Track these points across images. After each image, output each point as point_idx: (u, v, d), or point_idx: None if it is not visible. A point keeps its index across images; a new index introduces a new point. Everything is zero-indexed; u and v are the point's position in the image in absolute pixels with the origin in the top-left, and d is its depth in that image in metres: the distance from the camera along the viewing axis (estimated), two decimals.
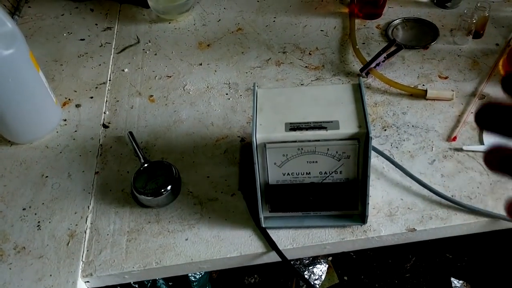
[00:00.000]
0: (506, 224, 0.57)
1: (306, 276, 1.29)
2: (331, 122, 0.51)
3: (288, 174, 0.53)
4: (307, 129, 0.51)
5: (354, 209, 0.55)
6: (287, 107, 0.54)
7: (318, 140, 0.50)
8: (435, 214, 0.57)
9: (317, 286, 1.29)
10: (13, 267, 0.56)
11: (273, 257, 0.56)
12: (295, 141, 0.50)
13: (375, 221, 0.57)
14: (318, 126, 0.51)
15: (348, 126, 0.51)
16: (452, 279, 1.28)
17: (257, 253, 0.56)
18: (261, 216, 0.55)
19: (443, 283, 1.28)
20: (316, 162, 0.52)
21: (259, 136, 0.51)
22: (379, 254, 1.36)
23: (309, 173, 0.53)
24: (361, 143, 0.50)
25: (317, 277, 1.30)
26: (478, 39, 0.79)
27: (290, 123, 0.51)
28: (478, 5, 0.77)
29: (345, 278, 1.33)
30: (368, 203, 0.54)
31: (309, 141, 0.50)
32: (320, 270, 1.31)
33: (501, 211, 0.56)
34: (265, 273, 1.34)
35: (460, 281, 1.27)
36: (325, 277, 1.31)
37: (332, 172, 0.52)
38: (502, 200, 0.58)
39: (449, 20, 0.84)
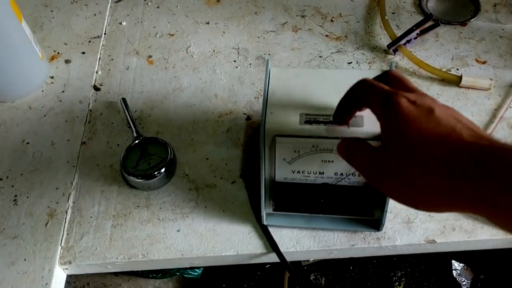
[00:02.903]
0: None
1: None
2: (355, 117, 0.43)
3: (298, 172, 0.46)
4: (325, 123, 0.43)
5: (370, 216, 0.48)
6: (304, 92, 0.46)
7: (337, 138, 0.43)
8: (458, 225, 0.51)
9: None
10: None
11: (273, 258, 0.50)
12: (310, 137, 0.43)
13: (391, 227, 0.50)
14: None
15: (374, 124, 0.43)
16: (453, 261, 1.24)
17: (256, 253, 0.50)
18: (264, 213, 0.49)
19: (444, 265, 1.25)
20: (332, 161, 0.44)
21: (269, 127, 0.43)
22: None
23: (323, 173, 0.46)
24: None
25: None
26: None
27: (306, 114, 0.44)
28: None
29: None
30: (387, 211, 0.47)
31: (327, 137, 0.43)
32: None
33: None
34: None
35: (461, 264, 1.24)
36: None
37: (349, 174, 0.45)
38: None
39: None
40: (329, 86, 0.46)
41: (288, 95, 0.46)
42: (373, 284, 1.23)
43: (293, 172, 0.46)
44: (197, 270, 1.17)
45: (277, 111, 0.44)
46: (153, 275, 1.19)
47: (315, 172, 0.46)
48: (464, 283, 1.20)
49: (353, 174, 0.45)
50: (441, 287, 1.22)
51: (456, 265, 1.23)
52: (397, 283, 1.22)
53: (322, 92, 0.46)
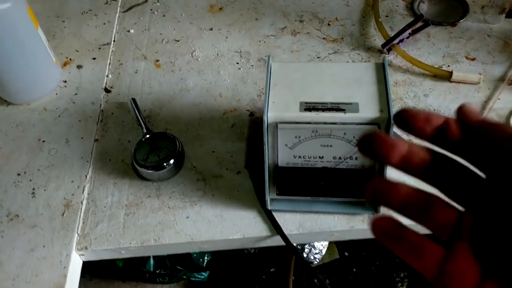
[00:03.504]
0: None
1: (306, 249, 1.27)
2: (350, 104, 0.47)
3: (300, 157, 0.49)
4: (323, 110, 0.47)
5: None
6: (303, 84, 0.50)
7: (335, 123, 0.46)
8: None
9: (317, 261, 1.28)
10: (5, 235, 0.54)
11: (277, 241, 0.53)
12: (309, 123, 0.47)
13: (388, 210, 0.53)
14: (336, 107, 0.47)
15: (369, 110, 0.47)
16: None
17: (261, 236, 0.53)
18: (268, 198, 0.52)
19: None
20: (331, 146, 0.48)
21: (271, 115, 0.47)
22: None
23: (322, 157, 0.49)
24: (381, 129, 0.46)
25: (317, 251, 1.28)
26: None
27: (306, 103, 0.47)
28: None
29: (346, 254, 1.32)
30: None
31: (325, 123, 0.46)
32: (321, 244, 1.29)
33: None
34: None
35: None
36: (325, 252, 1.30)
37: (347, 158, 0.49)
38: None
39: None
40: (326, 78, 0.50)
41: (288, 87, 0.49)
42: (376, 286, 1.25)
43: (295, 157, 0.49)
44: (204, 274, 1.19)
45: (278, 101, 0.48)
46: (160, 279, 1.21)
47: (315, 157, 0.49)
48: None
49: (351, 158, 0.49)
50: None
51: None
52: (400, 284, 1.24)
53: (319, 83, 0.50)
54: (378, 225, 0.26)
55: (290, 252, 0.53)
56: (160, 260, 1.18)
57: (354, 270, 1.28)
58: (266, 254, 1.31)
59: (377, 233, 0.26)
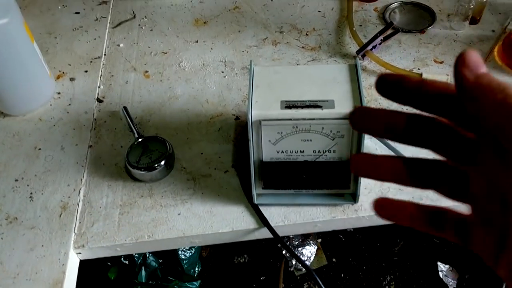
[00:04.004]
0: None
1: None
2: (327, 101, 0.51)
3: (282, 151, 0.53)
4: (302, 107, 0.51)
5: (346, 188, 0.56)
6: (283, 85, 0.54)
7: (313, 119, 0.50)
8: (425, 195, 0.58)
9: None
10: (4, 237, 0.56)
11: (264, 234, 0.57)
12: (290, 119, 0.51)
13: (366, 200, 0.58)
14: (314, 104, 0.51)
15: (344, 106, 0.51)
16: (439, 263, 1.30)
17: (249, 229, 0.56)
18: (254, 192, 0.56)
19: (430, 267, 1.30)
20: (310, 140, 0.52)
21: (255, 113, 0.51)
22: (367, 237, 1.38)
23: (303, 151, 0.53)
24: None
25: (306, 258, 1.31)
26: (475, 25, 0.80)
27: (286, 101, 0.52)
28: None
29: (334, 260, 1.35)
30: (360, 183, 0.54)
31: (304, 119, 0.51)
32: (309, 251, 1.33)
33: None
34: (254, 253, 1.35)
35: (446, 266, 1.29)
36: (314, 258, 1.33)
37: (325, 151, 0.53)
38: None
39: (447, 5, 0.84)
40: (304, 79, 0.54)
41: (269, 87, 0.54)
42: None
43: (278, 152, 0.53)
44: (195, 283, 1.21)
45: (261, 101, 0.52)
46: None
47: (296, 151, 0.53)
48: (450, 283, 1.26)
49: (329, 151, 0.53)
50: None
51: (442, 266, 1.29)
52: (387, 287, 1.27)
53: (298, 83, 0.54)
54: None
55: (277, 242, 0.56)
56: (152, 271, 1.20)
57: (342, 275, 1.31)
58: (256, 263, 1.34)
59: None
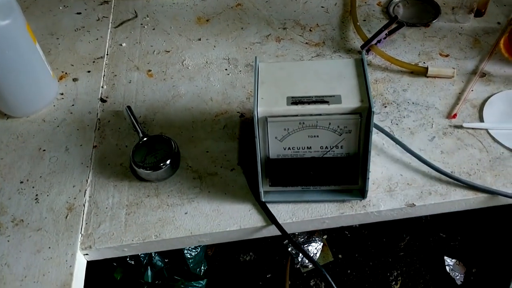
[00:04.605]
0: (504, 200, 0.57)
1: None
2: (333, 96, 0.51)
3: (289, 148, 0.53)
4: (309, 103, 0.50)
5: (354, 184, 0.55)
6: (289, 81, 0.53)
7: (320, 114, 0.50)
8: (434, 190, 0.57)
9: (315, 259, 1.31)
10: (11, 239, 0.56)
11: (272, 231, 0.57)
12: (296, 115, 0.50)
13: (375, 196, 0.57)
14: (320, 100, 0.50)
15: (350, 101, 0.50)
16: (446, 257, 1.29)
17: (257, 226, 0.56)
18: (261, 190, 0.55)
19: (437, 262, 1.30)
20: (317, 136, 0.51)
21: (261, 110, 0.50)
22: (373, 232, 1.38)
23: (310, 147, 0.52)
24: (363, 118, 0.50)
25: (312, 254, 1.31)
26: (480, 18, 0.79)
27: (292, 97, 0.51)
28: None
29: (340, 256, 1.35)
30: (368, 178, 0.54)
31: (311, 115, 0.50)
32: (315, 248, 1.32)
33: (500, 187, 0.57)
34: (260, 251, 1.35)
35: (453, 260, 1.29)
36: (319, 255, 1.33)
37: (333, 147, 0.52)
38: (501, 176, 0.58)
39: None
40: (309, 74, 0.54)
41: (275, 84, 0.53)
42: (371, 286, 1.27)
43: (285, 149, 0.53)
44: (201, 282, 1.21)
45: (266, 97, 0.52)
46: None
47: (303, 147, 0.52)
48: (457, 277, 1.25)
49: (337, 147, 0.52)
50: (436, 283, 1.26)
51: (449, 261, 1.28)
52: (394, 282, 1.27)
53: (304, 79, 0.53)
54: None
55: (285, 239, 0.56)
56: (157, 271, 1.19)
57: (349, 271, 1.31)
58: (262, 260, 1.34)
59: None
